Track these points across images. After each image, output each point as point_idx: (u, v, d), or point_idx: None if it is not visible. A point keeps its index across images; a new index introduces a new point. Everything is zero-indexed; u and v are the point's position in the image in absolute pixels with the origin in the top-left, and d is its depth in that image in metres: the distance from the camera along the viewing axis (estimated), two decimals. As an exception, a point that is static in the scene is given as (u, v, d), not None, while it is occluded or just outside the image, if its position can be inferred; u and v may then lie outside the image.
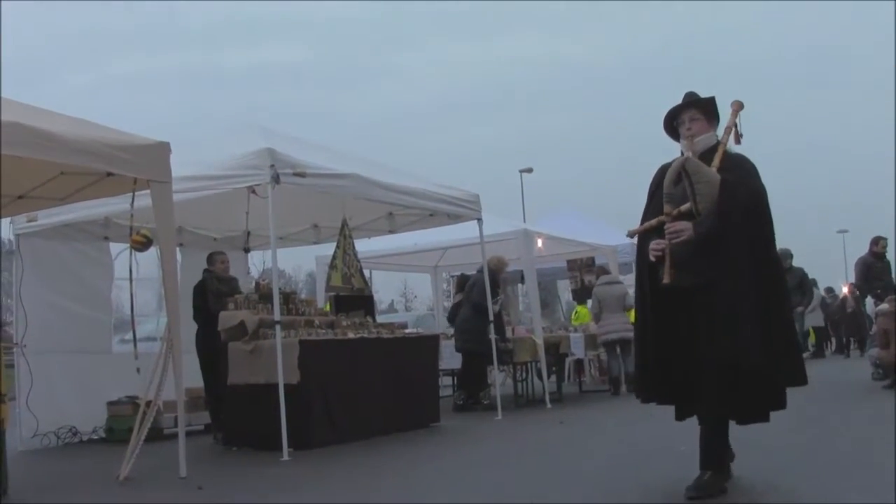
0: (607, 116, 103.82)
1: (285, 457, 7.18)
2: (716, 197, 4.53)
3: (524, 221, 16.64)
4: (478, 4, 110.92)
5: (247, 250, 11.48)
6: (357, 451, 7.62)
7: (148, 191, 6.48)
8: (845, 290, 21.49)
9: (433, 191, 9.64)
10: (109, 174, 6.40)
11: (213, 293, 8.80)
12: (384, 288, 52.42)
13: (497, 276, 11.44)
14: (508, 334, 11.64)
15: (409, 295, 57.11)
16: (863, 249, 12.85)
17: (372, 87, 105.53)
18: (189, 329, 8.44)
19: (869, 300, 12.21)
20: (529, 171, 38.96)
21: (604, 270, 13.93)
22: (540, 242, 13.58)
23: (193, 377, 8.69)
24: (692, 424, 4.80)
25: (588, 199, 79.39)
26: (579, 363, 14.12)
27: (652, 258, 4.74)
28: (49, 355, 9.12)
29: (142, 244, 7.08)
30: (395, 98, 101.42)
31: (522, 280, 14.27)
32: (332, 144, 10.12)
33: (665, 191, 4.72)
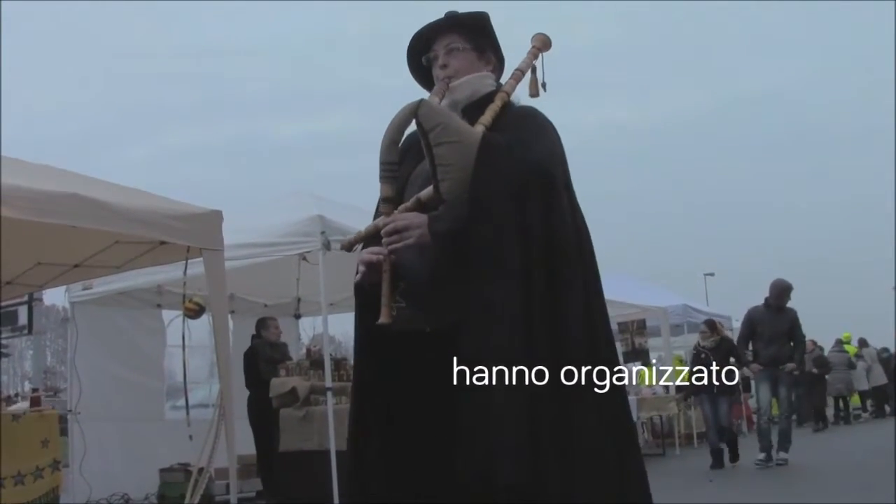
0: (641, 178, 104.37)
1: (336, 523, 7.13)
2: (470, 168, 2.52)
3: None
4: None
5: (297, 316, 11.53)
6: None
7: (200, 258, 6.55)
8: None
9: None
10: (163, 242, 6.48)
11: (264, 359, 8.85)
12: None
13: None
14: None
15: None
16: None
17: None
18: (241, 395, 8.46)
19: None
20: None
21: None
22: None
23: (245, 444, 8.69)
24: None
25: (633, 261, 79.15)
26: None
27: (358, 279, 2.71)
28: (102, 422, 9.18)
29: (194, 311, 7.17)
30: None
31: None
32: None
33: (381, 160, 2.66)
